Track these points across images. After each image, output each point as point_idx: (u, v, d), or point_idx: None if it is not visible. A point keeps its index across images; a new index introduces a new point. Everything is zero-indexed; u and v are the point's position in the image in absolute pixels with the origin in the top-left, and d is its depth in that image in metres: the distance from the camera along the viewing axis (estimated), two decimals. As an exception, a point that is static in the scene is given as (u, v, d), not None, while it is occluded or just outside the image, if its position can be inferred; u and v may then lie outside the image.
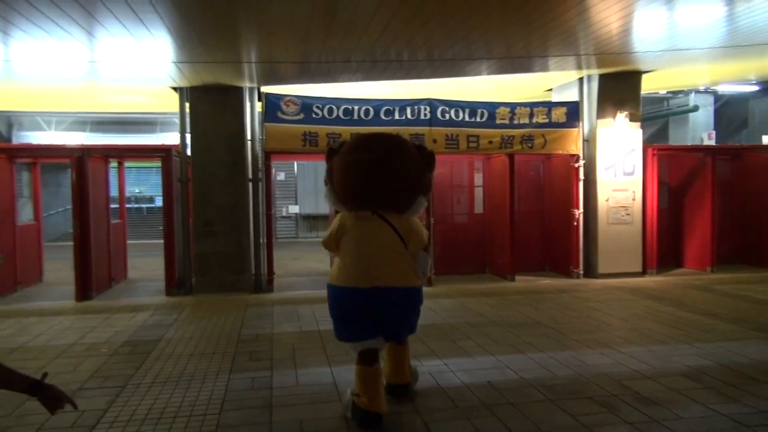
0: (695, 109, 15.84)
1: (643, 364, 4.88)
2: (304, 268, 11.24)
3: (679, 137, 16.62)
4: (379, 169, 3.76)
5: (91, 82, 8.90)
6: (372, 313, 3.78)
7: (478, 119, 9.04)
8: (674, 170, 10.49)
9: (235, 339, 5.94)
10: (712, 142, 15.26)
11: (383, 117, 8.75)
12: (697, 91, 15.81)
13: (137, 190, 19.36)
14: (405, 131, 8.78)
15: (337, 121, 8.62)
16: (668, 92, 15.68)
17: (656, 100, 16.61)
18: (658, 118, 17.23)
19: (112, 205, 9.43)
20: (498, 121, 9.10)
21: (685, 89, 15.42)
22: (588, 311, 6.95)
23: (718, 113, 17.23)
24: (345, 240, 3.87)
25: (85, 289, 8.06)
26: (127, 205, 16.88)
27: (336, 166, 3.92)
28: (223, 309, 7.40)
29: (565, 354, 5.20)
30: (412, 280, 3.87)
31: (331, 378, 4.71)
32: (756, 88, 15.31)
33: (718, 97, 16.92)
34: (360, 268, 3.75)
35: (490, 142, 9.08)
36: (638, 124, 9.42)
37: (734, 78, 12.55)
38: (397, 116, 8.79)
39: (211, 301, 7.88)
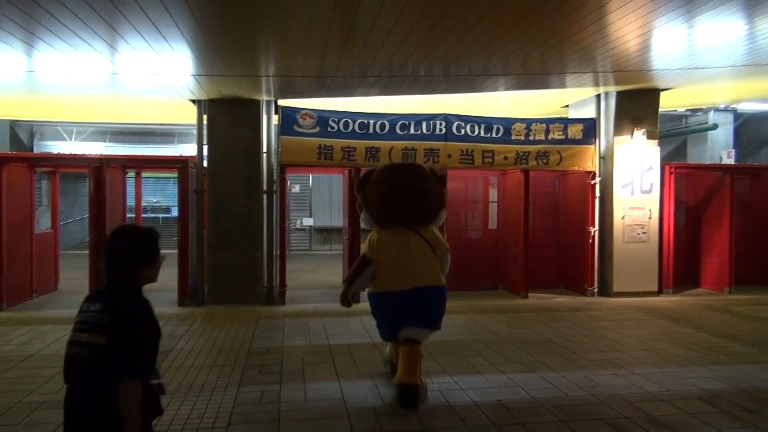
0: (714, 127, 15.66)
1: (658, 386, 4.79)
2: (317, 281, 11.24)
3: (697, 155, 16.43)
4: (414, 192, 4.67)
5: (112, 94, 9.05)
6: (409, 311, 4.54)
7: (493, 135, 9.03)
8: (692, 189, 10.37)
9: (246, 351, 5.95)
10: (732, 161, 15.06)
11: (399, 131, 8.78)
12: (717, 110, 15.63)
13: (154, 200, 19.57)
14: (420, 146, 8.81)
15: (353, 134, 8.66)
16: (687, 110, 15.52)
17: (674, 117, 16.45)
18: (676, 135, 17.06)
19: (129, 215, 9.54)
20: (513, 137, 9.08)
21: (704, 107, 15.26)
22: (602, 330, 6.86)
23: (737, 132, 17.02)
24: (383, 252, 4.65)
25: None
26: (144, 215, 17.15)
27: (373, 193, 4.78)
28: (234, 321, 7.41)
29: (577, 374, 5.12)
30: (442, 280, 4.70)
31: (340, 393, 4.68)
32: (777, 107, 15.12)
33: (737, 116, 16.72)
34: (403, 274, 4.56)
35: (506, 158, 9.05)
36: (656, 141, 9.34)
37: (755, 96, 12.40)
38: (412, 131, 8.81)
39: (222, 312, 7.91)
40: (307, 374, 5.18)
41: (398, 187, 4.68)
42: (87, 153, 11.31)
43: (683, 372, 5.20)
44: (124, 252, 2.35)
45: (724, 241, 9.65)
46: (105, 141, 16.42)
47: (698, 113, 16.04)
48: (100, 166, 8.23)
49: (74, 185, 17.54)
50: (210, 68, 7.04)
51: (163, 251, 2.40)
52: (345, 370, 5.30)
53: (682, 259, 9.85)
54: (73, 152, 13.90)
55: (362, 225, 5.04)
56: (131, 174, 10.25)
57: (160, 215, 18.94)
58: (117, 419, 2.13)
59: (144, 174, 15.15)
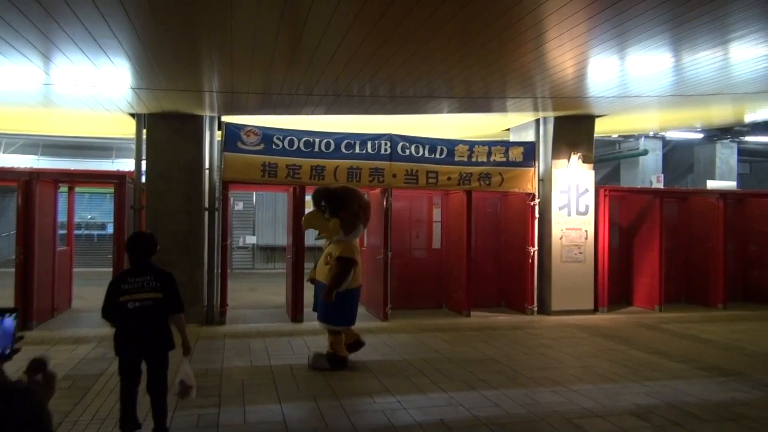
0: (645, 152, 16.51)
1: (594, 403, 4.93)
2: (259, 300, 11.03)
3: (629, 179, 17.24)
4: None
5: (45, 106, 8.66)
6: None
7: (437, 156, 9.18)
8: (625, 211, 10.84)
9: (183, 373, 5.73)
10: (661, 185, 15.87)
11: (344, 150, 8.79)
12: (647, 136, 16.49)
13: (89, 216, 18.75)
14: (365, 165, 8.85)
15: (298, 152, 8.61)
16: (620, 136, 16.30)
17: (608, 143, 17.25)
18: (610, 160, 17.87)
19: (61, 231, 9.10)
20: (457, 158, 9.27)
21: (636, 134, 16.07)
22: (541, 348, 7.01)
23: (666, 158, 17.99)
24: (358, 257, 6.12)
25: (25, 318, 7.68)
26: (77, 231, 16.40)
27: (364, 212, 6.24)
28: (172, 341, 7.14)
29: (517, 391, 5.21)
30: None
31: (281, 416, 4.58)
32: (701, 135, 16.10)
33: (665, 143, 17.70)
34: (361, 274, 6.20)
35: (449, 179, 9.21)
36: (591, 165, 9.73)
37: (681, 125, 13.19)
38: (357, 150, 8.84)
39: (159, 333, 7.60)
40: (247, 396, 5.04)
41: (369, 209, 6.48)
42: (16, 166, 10.74)
43: (617, 388, 5.37)
44: (146, 246, 4.17)
45: (654, 262, 10.09)
46: (36, 154, 15.68)
47: (630, 139, 16.87)
48: (29, 179, 7.84)
49: (1, 199, 16.61)
50: (151, 82, 6.87)
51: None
52: (287, 391, 5.19)
53: (615, 279, 10.24)
54: (1, 165, 13.18)
55: (347, 236, 6.00)
56: (64, 189, 9.79)
57: (95, 232, 18.15)
58: (171, 336, 4.19)
59: (78, 189, 14.52)
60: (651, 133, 16.16)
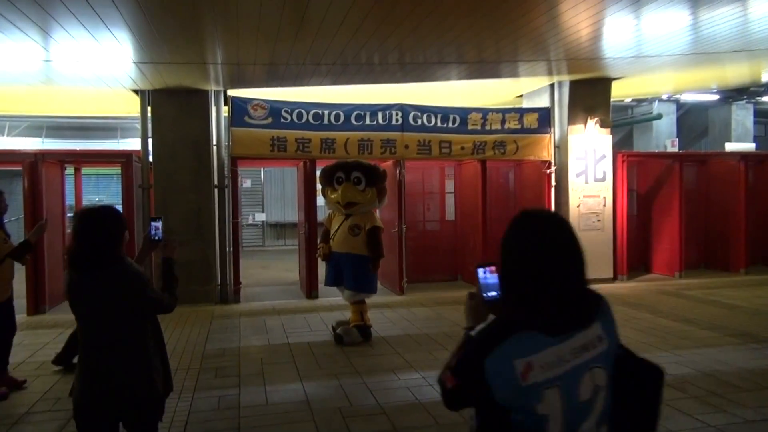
0: (659, 117, 16.10)
1: (625, 374, 4.76)
2: (272, 277, 10.91)
3: (643, 145, 16.87)
4: None
5: (46, 84, 8.44)
6: None
7: (450, 125, 8.92)
8: (642, 176, 10.56)
9: (200, 354, 5.62)
10: (676, 150, 15.52)
11: (354, 122, 8.54)
12: (661, 100, 16.07)
13: (97, 198, 18.59)
14: (376, 136, 8.61)
15: (307, 125, 8.38)
16: (633, 100, 15.90)
17: (621, 108, 16.84)
18: (622, 125, 17.46)
19: (69, 214, 8.96)
20: (470, 127, 9.00)
21: (649, 98, 15.67)
22: (564, 319, 6.84)
23: (679, 121, 17.57)
24: None
25: (37, 302, 7.59)
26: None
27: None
28: (187, 321, 7.05)
29: (545, 364, 5.04)
30: None
31: (303, 395, 4.45)
32: (716, 97, 15.68)
33: (680, 106, 17.25)
34: None
35: (463, 148, 8.96)
36: (608, 130, 9.44)
37: (697, 87, 12.79)
38: (368, 121, 8.59)
39: (174, 313, 7.39)
40: (267, 376, 4.92)
41: None
42: (20, 148, 10.58)
43: (648, 358, 5.18)
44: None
45: (674, 227, 9.85)
46: (41, 136, 15.47)
47: (643, 103, 16.45)
48: (35, 161, 7.66)
49: (8, 184, 16.49)
50: (153, 55, 6.63)
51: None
52: (307, 370, 5.06)
53: (634, 246, 10.02)
54: (12, 149, 13.01)
55: (380, 205, 6.37)
56: (70, 171, 9.62)
57: (104, 214, 17.99)
58: None
59: (85, 171, 14.35)
60: (665, 97, 15.75)
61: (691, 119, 18.32)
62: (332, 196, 6.06)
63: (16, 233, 16.12)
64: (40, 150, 8.29)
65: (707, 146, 17.57)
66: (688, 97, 15.68)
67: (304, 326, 6.73)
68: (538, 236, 1.54)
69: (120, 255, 2.44)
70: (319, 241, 6.70)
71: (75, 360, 4.38)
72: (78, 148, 12.28)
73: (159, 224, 2.89)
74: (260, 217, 16.66)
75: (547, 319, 1.46)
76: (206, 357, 5.52)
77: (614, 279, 9.45)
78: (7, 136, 15.20)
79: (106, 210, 2.49)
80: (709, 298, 7.98)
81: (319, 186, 6.91)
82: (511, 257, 1.56)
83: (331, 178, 6.07)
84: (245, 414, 4.10)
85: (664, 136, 16.51)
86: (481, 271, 1.72)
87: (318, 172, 7.22)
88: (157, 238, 2.86)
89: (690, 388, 4.40)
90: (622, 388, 1.56)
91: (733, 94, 15.50)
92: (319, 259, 6.62)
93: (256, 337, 6.27)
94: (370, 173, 6.01)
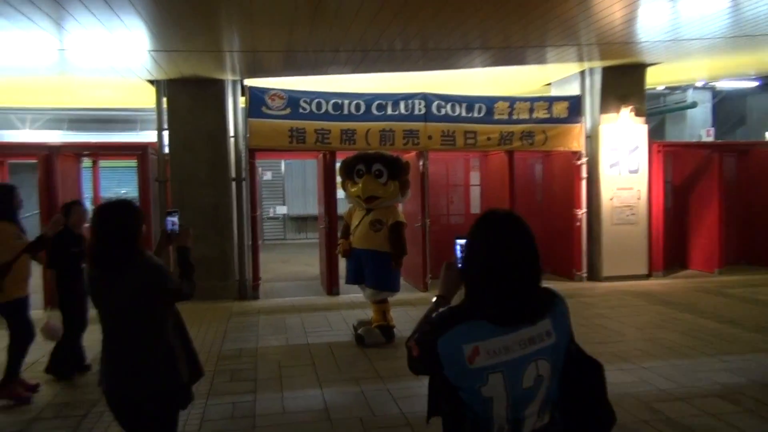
0: (693, 105, 15.44)
1: (670, 382, 4.39)
2: (293, 272, 10.67)
3: (675, 135, 16.23)
4: None
5: (62, 75, 8.28)
6: None
7: (475, 114, 8.53)
8: (678, 168, 10.04)
9: (216, 355, 5.38)
10: (711, 139, 14.88)
11: (375, 112, 8.21)
12: (695, 88, 15.41)
13: (123, 191, 18.51)
14: (398, 127, 8.27)
15: (326, 116, 8.07)
16: (666, 88, 15.26)
17: (653, 96, 16.19)
18: (655, 114, 16.80)
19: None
20: (496, 117, 8.60)
21: (683, 85, 15.02)
22: (598, 319, 6.47)
23: (715, 110, 16.87)
24: None
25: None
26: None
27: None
28: (204, 319, 6.83)
29: (581, 370, 4.68)
30: None
31: (322, 402, 4.17)
32: (755, 83, 14.95)
33: (715, 94, 16.55)
34: None
35: (489, 139, 8.57)
36: (643, 119, 8.97)
37: (734, 73, 12.16)
38: (390, 111, 8.25)
39: (191, 309, 7.17)
40: (284, 380, 4.65)
41: None
42: (36, 140, 10.48)
43: (693, 364, 4.81)
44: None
45: (713, 221, 9.35)
46: (62, 129, 15.43)
47: (676, 91, 15.80)
48: (49, 153, 7.51)
49: (30, 177, 16.52)
50: (167, 43, 6.38)
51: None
52: (327, 374, 4.79)
53: (669, 241, 9.52)
54: (28, 141, 12.97)
55: (403, 199, 5.97)
56: (88, 164, 9.47)
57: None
58: None
59: (106, 164, 14.23)
60: (700, 84, 15.08)
61: (728, 107, 17.57)
62: (352, 190, 5.75)
63: (36, 228, 16.13)
64: (55, 143, 8.10)
65: (744, 135, 16.84)
66: (724, 85, 14.99)
67: (325, 325, 6.46)
68: (493, 236, 1.68)
69: (139, 249, 2.46)
70: (339, 236, 6.40)
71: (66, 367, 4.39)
72: (94, 141, 12.13)
73: (176, 218, 2.82)
74: (281, 210, 16.46)
75: (496, 311, 1.59)
76: (222, 358, 5.28)
77: (648, 276, 9.00)
78: (29, 128, 15.21)
79: (124, 205, 2.51)
80: (753, 297, 7.51)
81: (339, 179, 6.63)
82: (470, 253, 1.70)
83: (352, 170, 5.76)
84: (260, 423, 3.83)
85: (698, 126, 15.86)
86: (459, 243, 1.81)
87: (338, 164, 6.95)
88: (174, 231, 2.79)
89: (744, 400, 4.01)
90: (571, 380, 1.71)
91: (774, 81, 14.77)
92: (339, 256, 6.32)
93: (274, 336, 6.02)
94: (393, 165, 5.68)
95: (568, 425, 1.72)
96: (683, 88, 15.48)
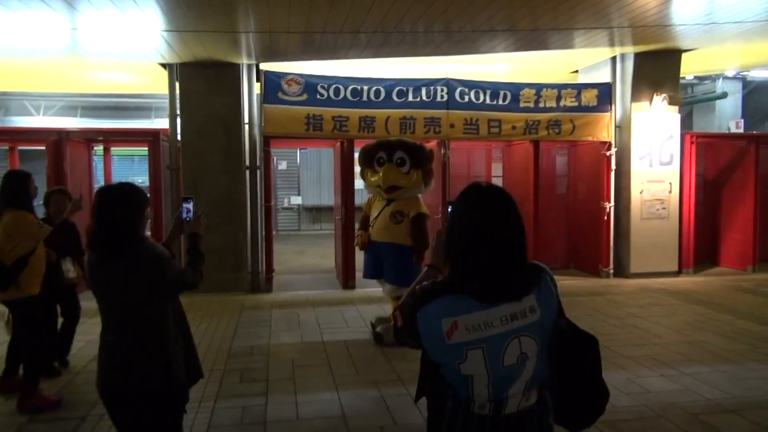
0: (724, 95, 14.84)
1: (718, 391, 4.02)
2: (307, 264, 10.40)
3: (703, 126, 15.65)
4: None
5: (73, 57, 8.03)
6: None
7: (500, 102, 8.14)
8: (711, 160, 9.58)
9: (226, 352, 5.10)
10: (741, 131, 14.31)
11: (396, 98, 7.86)
12: (725, 77, 14.81)
13: (140, 180, 18.32)
14: (420, 114, 7.92)
15: (345, 102, 7.74)
16: (695, 77, 14.69)
17: (681, 86, 15.62)
18: (683, 105, 16.23)
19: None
20: (522, 104, 8.21)
21: (714, 74, 14.44)
22: (631, 319, 6.09)
23: (744, 101, 16.26)
24: None
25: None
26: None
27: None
28: (215, 312, 6.56)
29: (619, 376, 4.33)
30: None
31: (339, 407, 3.87)
32: (788, 74, 14.34)
33: (746, 84, 15.93)
34: None
35: (514, 128, 8.19)
36: (677, 108, 8.52)
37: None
38: (410, 98, 7.89)
39: (202, 302, 6.99)
40: (298, 382, 4.35)
41: None
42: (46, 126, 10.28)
43: (740, 371, 4.44)
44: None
45: (747, 216, 8.90)
46: (76, 116, 15.25)
47: (705, 81, 15.22)
48: (58, 139, 7.26)
49: (41, 164, 16.42)
50: (179, 23, 6.07)
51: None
52: (344, 376, 4.48)
53: (699, 236, 9.09)
54: (36, 126, 12.80)
55: (425, 189, 5.49)
56: (100, 152, 9.24)
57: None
58: None
59: (120, 152, 14.05)
60: (731, 74, 14.48)
61: (757, 98, 16.92)
62: (372, 179, 5.41)
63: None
64: (64, 128, 7.86)
65: (774, 128, 16.25)
66: (756, 74, 14.38)
67: (340, 321, 6.16)
68: (478, 209, 1.61)
69: (140, 235, 2.35)
70: (357, 228, 6.07)
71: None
72: (105, 127, 11.91)
73: (191, 205, 2.71)
74: (296, 200, 16.18)
75: (477, 286, 1.53)
76: (232, 356, 5.00)
77: (678, 273, 8.59)
78: (43, 115, 15.06)
79: (125, 188, 2.39)
80: (794, 297, 7.08)
81: (357, 168, 6.30)
82: (453, 225, 1.64)
83: (372, 158, 5.42)
84: (272, 430, 3.54)
85: (728, 117, 15.26)
86: (451, 207, 1.71)
87: (357, 153, 6.62)
88: (188, 219, 2.67)
89: (805, 414, 3.65)
90: (566, 356, 1.66)
91: (808, 71, 14.14)
92: (357, 248, 5.99)
93: (287, 333, 5.73)
94: (416, 153, 5.33)
95: (560, 403, 1.67)
96: (713, 78, 14.88)
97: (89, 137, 8.20)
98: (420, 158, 5.32)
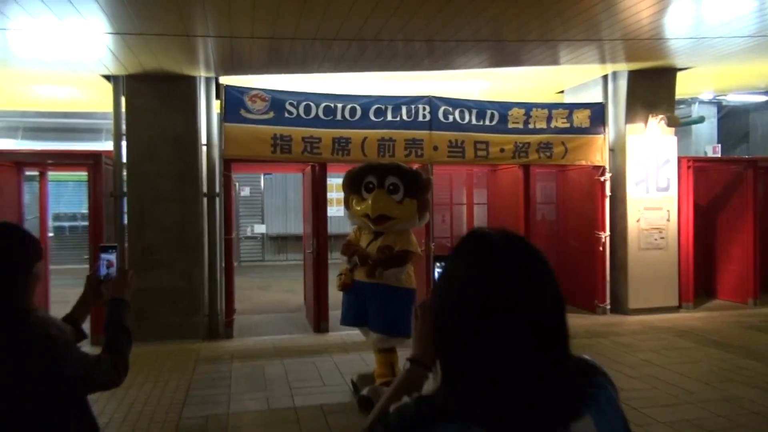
0: (701, 120, 14.59)
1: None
2: (272, 300, 9.39)
3: (680, 150, 15.32)
4: None
5: (5, 68, 6.99)
6: None
7: (487, 122, 7.43)
8: (703, 186, 9.04)
9: (174, 426, 4.09)
10: (718, 156, 14.05)
11: (373, 118, 7.05)
12: (701, 102, 14.62)
13: (84, 210, 16.90)
14: (400, 136, 7.13)
15: (316, 121, 6.89)
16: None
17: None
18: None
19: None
20: (511, 125, 7.51)
21: (689, 98, 14.20)
22: (647, 368, 5.32)
23: (718, 125, 16.13)
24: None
25: None
26: (58, 223, 14.74)
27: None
28: (163, 367, 5.52)
29: (664, 453, 3.52)
30: None
31: None
32: (763, 98, 14.21)
33: (719, 108, 15.81)
34: None
35: (502, 150, 7.47)
36: (673, 130, 7.98)
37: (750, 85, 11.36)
38: (390, 117, 7.10)
39: (148, 354, 5.89)
40: (265, 472, 3.39)
41: None
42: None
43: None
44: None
45: (746, 245, 8.34)
46: (17, 138, 13.99)
47: (680, 106, 14.98)
48: (-22, 162, 6.17)
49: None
50: (124, 25, 5.15)
51: None
52: (323, 460, 3.54)
53: (696, 267, 8.49)
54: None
55: (420, 222, 4.81)
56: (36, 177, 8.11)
57: (81, 222, 16.26)
58: None
59: (58, 177, 12.78)
60: (706, 98, 14.28)
61: (729, 123, 16.84)
62: (358, 208, 4.52)
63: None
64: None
65: (747, 152, 16.12)
66: (732, 98, 14.21)
67: (314, 377, 5.20)
68: (488, 275, 0.98)
69: (24, 307, 1.65)
70: (346, 262, 4.76)
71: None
72: (39, 149, 10.71)
73: (113, 257, 2.01)
74: (260, 229, 15.17)
75: (493, 406, 0.92)
76: (181, 430, 4.00)
77: (679, 307, 7.94)
78: (-23, 137, 13.73)
79: (5, 232, 1.69)
80: (813, 335, 6.47)
81: (330, 194, 5.43)
82: (447, 298, 1.01)
83: (359, 183, 4.55)
84: None
85: (704, 142, 15.05)
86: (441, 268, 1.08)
87: (330, 179, 5.76)
88: (108, 276, 1.96)
89: None
90: None
91: (781, 95, 14.03)
92: (337, 289, 5.00)
93: (251, 395, 4.74)
94: (411, 180, 4.52)
95: None
96: (688, 102, 14.67)
97: (19, 160, 7.10)
98: (416, 186, 4.52)
